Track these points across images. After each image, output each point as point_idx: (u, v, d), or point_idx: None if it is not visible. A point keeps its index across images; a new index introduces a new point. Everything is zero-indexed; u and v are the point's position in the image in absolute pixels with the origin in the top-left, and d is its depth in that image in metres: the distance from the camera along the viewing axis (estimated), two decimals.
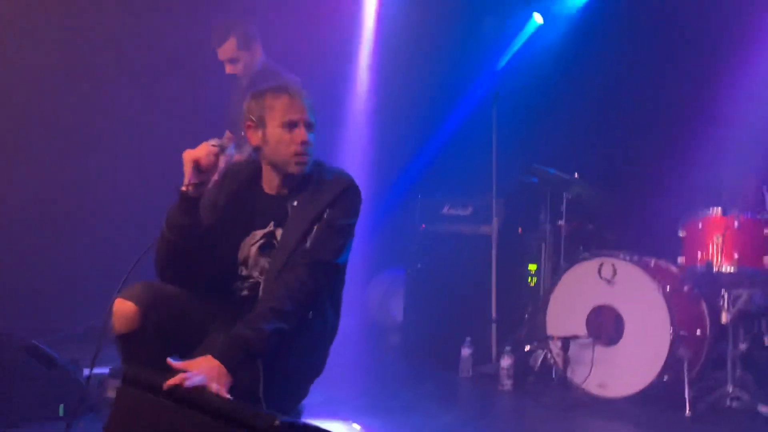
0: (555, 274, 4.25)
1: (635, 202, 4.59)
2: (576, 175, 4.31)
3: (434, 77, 5.64)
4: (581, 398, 3.70)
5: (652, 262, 3.85)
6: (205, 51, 3.78)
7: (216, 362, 1.86)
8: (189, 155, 2.09)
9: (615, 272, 3.79)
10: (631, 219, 4.53)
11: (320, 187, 2.20)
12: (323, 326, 2.18)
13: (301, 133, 2.17)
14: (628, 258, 3.78)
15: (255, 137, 2.21)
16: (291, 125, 2.16)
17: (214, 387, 1.78)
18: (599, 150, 4.89)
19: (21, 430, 2.63)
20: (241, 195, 2.27)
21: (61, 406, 2.48)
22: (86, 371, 3.22)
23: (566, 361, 3.80)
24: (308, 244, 2.11)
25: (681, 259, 3.77)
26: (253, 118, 2.20)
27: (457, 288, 4.71)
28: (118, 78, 4.65)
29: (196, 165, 2.08)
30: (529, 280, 4.77)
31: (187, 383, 1.75)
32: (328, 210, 2.16)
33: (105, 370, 3.34)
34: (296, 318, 2.01)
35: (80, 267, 4.26)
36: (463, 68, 5.64)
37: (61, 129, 4.42)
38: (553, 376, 3.98)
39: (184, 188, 2.09)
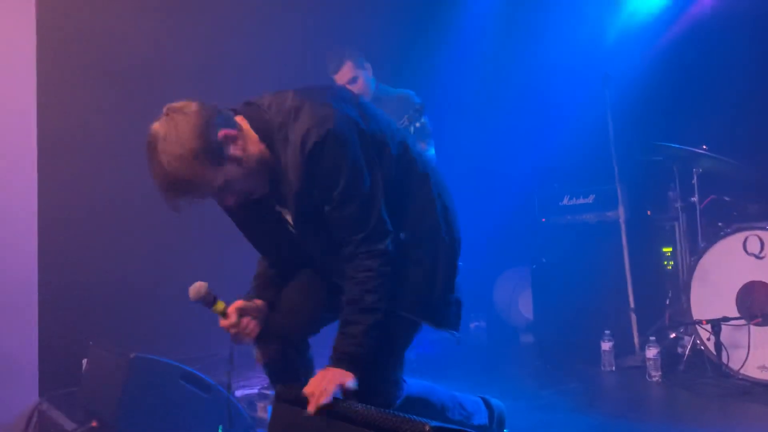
0: (694, 254, 3.99)
1: None
2: (704, 147, 4.04)
3: (535, 64, 5.52)
4: (741, 384, 3.45)
5: None
6: None
7: (331, 371, 1.89)
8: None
9: (763, 245, 3.51)
10: None
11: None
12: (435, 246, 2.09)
13: None
14: None
15: None
16: None
17: (349, 383, 1.85)
18: (727, 119, 4.55)
19: None
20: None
21: (220, 427, 2.61)
22: (237, 393, 3.41)
23: (719, 346, 3.55)
24: (336, 232, 1.96)
25: None
26: None
27: (587, 279, 4.55)
28: None
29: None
30: (665, 263, 4.52)
31: (323, 402, 1.79)
32: (316, 192, 1.93)
33: (254, 391, 3.51)
34: (382, 302, 1.93)
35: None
36: (565, 51, 5.46)
37: None
38: (705, 363, 3.73)
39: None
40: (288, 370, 2.25)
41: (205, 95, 1.99)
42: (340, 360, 1.91)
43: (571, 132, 5.35)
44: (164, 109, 1.86)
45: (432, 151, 3.81)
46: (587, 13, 5.40)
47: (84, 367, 3.44)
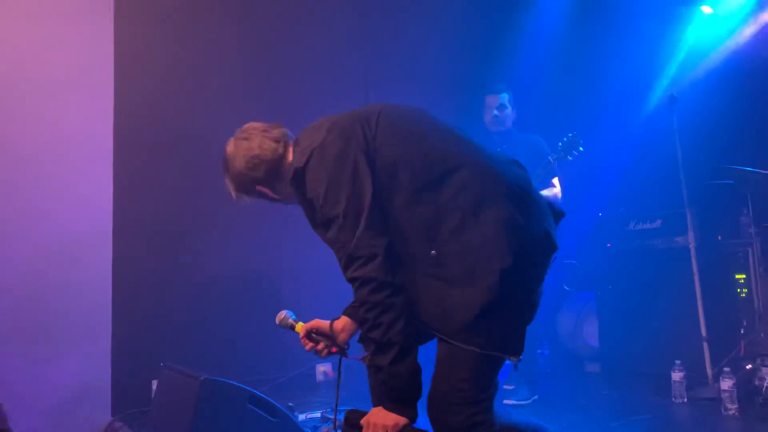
0: None
1: None
2: None
3: (601, 85, 5.46)
4: None
5: None
6: None
7: (382, 413, 1.83)
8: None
9: None
10: None
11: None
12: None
13: None
14: None
15: None
16: None
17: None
18: None
19: None
20: None
21: None
22: (300, 417, 3.43)
23: None
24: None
25: None
26: None
27: (655, 307, 4.42)
28: None
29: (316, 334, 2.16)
30: (738, 291, 4.34)
31: None
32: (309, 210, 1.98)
33: (316, 414, 3.52)
34: (392, 330, 1.77)
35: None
36: (632, 72, 5.38)
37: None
38: None
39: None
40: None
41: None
42: (384, 402, 1.84)
43: (638, 155, 5.26)
44: (238, 131, 2.13)
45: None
46: (653, 33, 5.33)
47: (154, 388, 3.54)
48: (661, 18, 5.33)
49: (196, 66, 4.45)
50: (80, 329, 3.58)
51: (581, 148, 3.99)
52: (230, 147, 2.13)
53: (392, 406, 1.83)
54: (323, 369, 4.51)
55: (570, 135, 3.99)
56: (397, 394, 1.82)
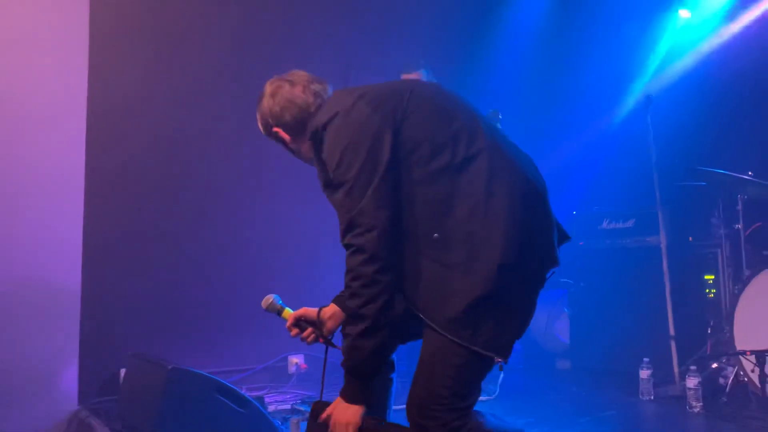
0: (738, 282, 3.90)
1: None
2: (750, 174, 3.95)
3: (576, 85, 5.50)
4: None
5: None
6: None
7: (341, 407, 1.87)
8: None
9: None
10: None
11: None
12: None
13: None
14: None
15: None
16: None
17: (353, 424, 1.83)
18: None
19: None
20: None
21: None
22: (271, 408, 3.42)
23: (763, 378, 3.44)
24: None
25: None
26: None
27: (626, 305, 4.49)
28: None
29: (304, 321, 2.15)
30: (707, 291, 4.41)
31: None
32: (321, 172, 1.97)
33: (287, 406, 3.51)
34: (370, 306, 1.77)
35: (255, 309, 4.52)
36: (608, 73, 5.43)
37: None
38: (749, 395, 3.62)
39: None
40: None
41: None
42: (346, 373, 1.88)
43: (614, 155, 5.31)
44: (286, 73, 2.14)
45: None
46: (631, 35, 5.38)
47: (122, 377, 3.50)
48: (640, 20, 5.38)
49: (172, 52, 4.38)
50: (47, 315, 3.52)
51: (500, 116, 3.81)
52: (271, 85, 2.13)
53: (348, 377, 1.86)
54: (296, 361, 4.50)
55: (491, 111, 3.81)
56: (354, 365, 1.84)
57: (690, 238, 4.50)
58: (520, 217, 1.82)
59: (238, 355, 4.27)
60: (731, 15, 4.99)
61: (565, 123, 5.60)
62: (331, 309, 2.15)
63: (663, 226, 4.27)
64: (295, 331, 2.17)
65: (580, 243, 4.88)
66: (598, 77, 5.42)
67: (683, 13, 5.26)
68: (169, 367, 2.73)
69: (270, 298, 2.25)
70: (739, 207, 3.99)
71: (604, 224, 4.76)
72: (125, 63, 4.12)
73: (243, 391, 2.91)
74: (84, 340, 3.63)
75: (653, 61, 5.40)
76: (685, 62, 5.14)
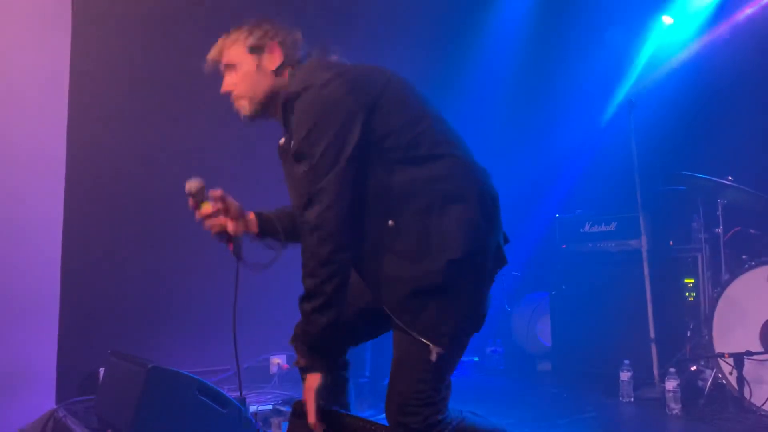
0: (717, 286, 3.94)
1: None
2: (730, 178, 4.00)
3: (559, 89, 5.53)
4: (763, 421, 3.37)
5: None
6: None
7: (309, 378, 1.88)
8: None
9: None
10: None
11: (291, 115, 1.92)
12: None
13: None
14: None
15: None
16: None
17: (311, 396, 1.84)
18: (753, 150, 4.51)
19: None
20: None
21: None
22: (252, 408, 3.40)
23: (741, 380, 3.49)
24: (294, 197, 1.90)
25: None
26: None
27: (607, 308, 4.52)
28: None
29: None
30: (687, 294, 4.46)
31: (310, 418, 1.85)
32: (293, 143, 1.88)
33: (268, 407, 3.49)
34: (325, 285, 1.78)
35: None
36: (590, 78, 5.47)
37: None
38: (727, 397, 3.66)
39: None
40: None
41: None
42: (301, 345, 1.88)
43: (596, 158, 5.35)
44: None
45: None
46: (614, 40, 5.42)
47: (101, 376, 3.46)
48: (624, 26, 5.43)
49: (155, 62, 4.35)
50: (25, 313, 3.47)
51: None
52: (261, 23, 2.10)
53: (303, 349, 1.87)
54: (277, 361, 4.48)
55: None
56: (310, 340, 1.85)
57: (671, 242, 4.54)
58: (474, 218, 1.86)
59: (220, 355, 4.23)
60: (712, 21, 5.06)
61: (549, 127, 5.63)
62: (258, 215, 2.17)
63: (644, 230, 4.32)
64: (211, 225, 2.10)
65: (563, 246, 4.91)
66: (581, 82, 5.47)
67: (666, 20, 5.32)
68: (149, 366, 2.70)
69: (202, 183, 2.07)
70: (719, 211, 4.03)
71: (587, 227, 4.79)
72: (107, 63, 4.09)
73: (224, 391, 2.89)
74: (63, 338, 3.59)
75: (636, 67, 5.45)
76: (668, 67, 5.20)
